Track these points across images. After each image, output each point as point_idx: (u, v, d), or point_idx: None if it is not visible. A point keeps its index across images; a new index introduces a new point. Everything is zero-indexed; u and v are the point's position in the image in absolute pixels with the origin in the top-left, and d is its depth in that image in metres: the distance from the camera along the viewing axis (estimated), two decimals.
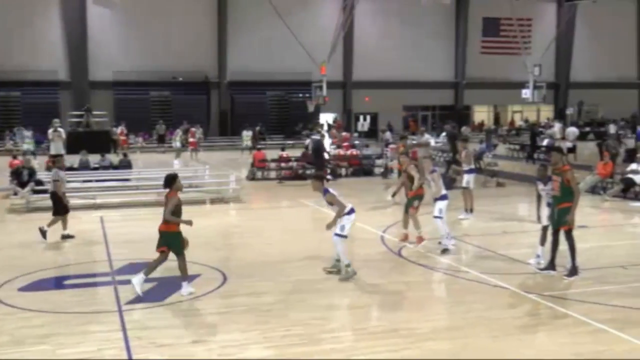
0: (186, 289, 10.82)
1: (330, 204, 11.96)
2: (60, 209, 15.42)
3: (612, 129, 35.47)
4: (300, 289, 11.22)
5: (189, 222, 10.78)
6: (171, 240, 10.78)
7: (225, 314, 9.95)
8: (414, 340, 8.76)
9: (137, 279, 10.62)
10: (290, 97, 49.64)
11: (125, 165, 26.82)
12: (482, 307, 10.12)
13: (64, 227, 15.41)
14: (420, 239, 14.09)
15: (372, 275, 12.06)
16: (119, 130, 41.24)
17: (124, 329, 9.17)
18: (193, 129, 38.57)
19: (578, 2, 42.92)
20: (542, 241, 12.37)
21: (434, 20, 53.04)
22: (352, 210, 11.83)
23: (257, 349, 8.52)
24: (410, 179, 14.47)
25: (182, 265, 10.82)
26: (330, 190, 11.98)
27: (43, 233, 15.06)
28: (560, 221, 11.67)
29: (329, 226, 11.78)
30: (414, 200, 14.37)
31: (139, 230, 16.48)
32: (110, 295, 10.89)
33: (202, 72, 48.06)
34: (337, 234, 11.70)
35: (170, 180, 10.90)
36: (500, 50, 53.47)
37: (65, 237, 15.31)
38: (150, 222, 17.81)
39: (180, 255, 10.79)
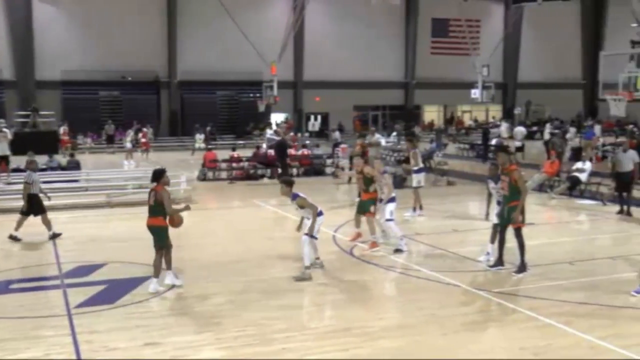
0: (154, 285, 10.89)
1: (302, 207, 11.99)
2: (33, 210, 15.29)
3: (547, 128, 36.07)
4: (252, 289, 11.20)
5: (187, 207, 11.59)
6: (158, 233, 11.02)
7: (177, 315, 9.90)
8: (366, 339, 8.83)
9: (169, 278, 11.08)
10: (241, 97, 49.46)
11: (74, 166, 26.41)
12: (433, 305, 10.25)
13: (17, 227, 15.21)
14: (374, 244, 14.06)
15: (324, 275, 12.11)
16: (61, 130, 40.45)
17: (73, 333, 9.04)
18: (145, 130, 38.14)
19: (525, 4, 43.65)
20: (492, 239, 12.57)
21: (384, 20, 53.38)
22: (320, 212, 11.96)
23: (210, 350, 8.49)
24: (365, 180, 14.44)
25: (158, 263, 11.02)
26: (300, 194, 12.00)
27: (13, 238, 15.05)
28: (510, 219, 11.90)
29: (311, 230, 11.86)
30: (369, 203, 14.27)
31: (88, 232, 16.26)
32: (59, 298, 10.72)
33: (152, 71, 47.56)
34: (307, 234, 11.79)
35: (159, 175, 11.15)
36: (449, 50, 54.18)
37: (13, 238, 15.07)
38: (100, 223, 17.72)
39: (162, 249, 11.02)
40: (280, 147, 27.40)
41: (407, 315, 9.85)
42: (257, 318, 9.62)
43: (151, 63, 47.13)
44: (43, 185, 16.26)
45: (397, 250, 13.75)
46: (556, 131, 41.38)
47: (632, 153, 18.76)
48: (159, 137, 45.70)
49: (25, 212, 15.31)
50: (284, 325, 9.31)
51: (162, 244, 11.03)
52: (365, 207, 14.26)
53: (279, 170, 26.19)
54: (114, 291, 10.96)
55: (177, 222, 11.25)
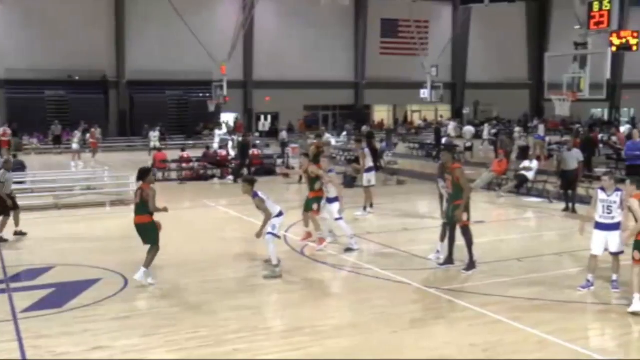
0: (140, 274, 11.07)
1: (258, 207, 12.05)
2: (4, 209, 15.20)
3: (486, 129, 36.65)
4: (205, 290, 11.14)
5: (165, 209, 11.54)
6: (145, 230, 11.23)
7: (127, 318, 9.77)
8: (317, 338, 8.85)
9: (139, 274, 11.10)
10: (191, 97, 49.05)
11: (19, 167, 25.83)
12: (384, 303, 10.32)
13: (1, 229, 15.23)
14: (321, 240, 14.12)
15: (271, 278, 12.09)
16: (0, 131, 39.52)
17: (19, 339, 8.86)
18: (93, 130, 37.55)
19: (472, 5, 44.24)
20: (442, 237, 12.71)
21: (334, 20, 53.54)
22: (280, 213, 12.05)
23: (161, 352, 8.41)
24: (311, 179, 14.40)
25: (151, 257, 11.23)
26: (260, 194, 11.97)
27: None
28: (454, 217, 12.06)
29: (258, 235, 11.91)
30: (313, 201, 14.29)
31: (34, 234, 15.91)
32: (4, 303, 10.48)
33: (100, 71, 46.91)
34: (270, 233, 11.84)
35: (145, 173, 11.39)
36: (398, 51, 54.65)
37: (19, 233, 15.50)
38: (47, 226, 17.36)
39: (154, 245, 11.25)
40: (243, 147, 27.35)
41: (358, 314, 9.90)
42: (209, 319, 9.57)
43: (99, 62, 46.47)
44: None
45: (348, 249, 13.81)
46: (494, 131, 42.21)
47: (576, 152, 19.19)
48: (108, 138, 45.06)
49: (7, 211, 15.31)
50: (236, 326, 9.27)
51: (153, 240, 11.24)
52: (309, 205, 14.31)
53: (244, 170, 26.05)
54: (62, 295, 10.76)
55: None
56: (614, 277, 10.87)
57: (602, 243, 10.73)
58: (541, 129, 41.18)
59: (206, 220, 18.23)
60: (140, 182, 11.36)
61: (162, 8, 42.41)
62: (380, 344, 8.69)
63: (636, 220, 9.85)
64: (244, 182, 12.48)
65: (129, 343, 8.68)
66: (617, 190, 10.69)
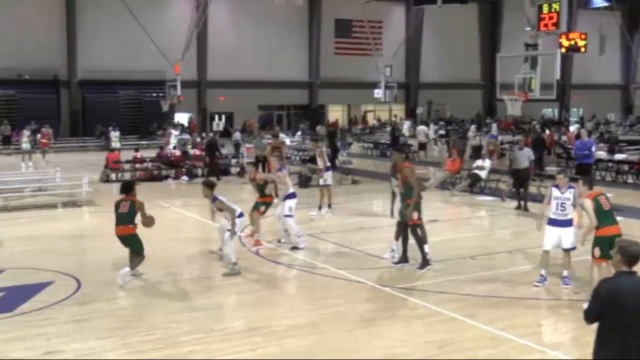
0: (124, 274, 11.15)
1: (220, 210, 12.16)
2: None
3: (431, 129, 37.04)
4: (158, 292, 11.05)
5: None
6: (131, 241, 11.46)
7: (80, 321, 9.62)
8: (273, 338, 8.85)
9: (122, 272, 11.19)
10: (144, 97, 48.46)
11: None
12: (339, 302, 10.36)
13: None
14: (257, 242, 14.26)
15: (230, 275, 12.05)
16: None
17: None
18: (44, 129, 36.88)
19: (425, 6, 44.58)
20: (397, 236, 12.80)
21: (288, 20, 53.47)
22: (241, 214, 12.29)
23: (116, 355, 8.32)
24: (259, 186, 14.58)
25: (136, 263, 11.41)
26: (219, 197, 12.21)
27: None
28: (407, 216, 12.17)
29: (232, 236, 12.01)
30: (261, 204, 14.50)
31: None
32: None
33: (51, 70, 46.03)
34: (229, 230, 11.99)
35: (130, 187, 11.93)
36: (352, 51, 54.83)
37: None
38: None
39: (140, 255, 11.43)
40: (210, 147, 27.20)
41: (314, 313, 9.92)
42: (163, 321, 9.49)
43: (50, 61, 45.60)
44: None
45: (294, 248, 13.87)
46: (442, 132, 42.77)
47: (527, 151, 19.51)
48: (59, 138, 44.25)
49: None
50: (190, 327, 9.22)
51: (139, 249, 11.44)
52: (256, 206, 14.51)
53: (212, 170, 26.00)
54: (13, 299, 10.56)
55: (150, 223, 11.80)
56: (565, 273, 11.12)
57: (555, 239, 10.98)
58: (494, 128, 41.86)
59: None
60: (124, 195, 11.65)
61: (114, 6, 41.72)
62: (336, 343, 8.72)
63: (590, 219, 10.07)
64: (205, 185, 12.54)
65: (83, 347, 8.57)
66: (570, 187, 10.98)
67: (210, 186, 12.37)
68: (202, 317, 9.75)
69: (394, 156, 13.07)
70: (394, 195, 13.21)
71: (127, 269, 11.33)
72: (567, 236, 10.90)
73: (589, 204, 10.09)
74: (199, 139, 34.55)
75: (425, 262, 12.16)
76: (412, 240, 12.40)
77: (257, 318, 9.63)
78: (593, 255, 10.03)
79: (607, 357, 5.48)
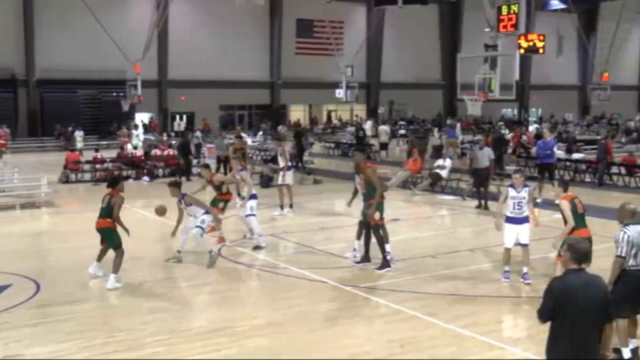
0: (112, 282, 11.11)
1: (189, 205, 12.69)
2: None
3: (382, 129, 37.20)
4: (120, 293, 10.96)
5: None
6: (107, 235, 11.48)
7: (40, 325, 9.50)
8: (236, 338, 8.84)
9: (110, 282, 11.16)
10: (104, 96, 47.90)
11: None
12: (302, 302, 10.39)
13: None
14: (221, 239, 14.38)
15: (192, 276, 12.01)
16: None
17: None
18: (1, 130, 36.26)
19: (386, 6, 44.82)
20: (358, 235, 12.85)
21: (249, 20, 53.28)
22: (207, 212, 12.90)
23: (76, 358, 8.22)
24: (216, 186, 14.94)
25: (118, 262, 11.32)
26: (188, 194, 12.84)
27: None
28: (368, 216, 12.25)
29: (218, 226, 12.82)
30: (220, 201, 14.88)
31: None
32: None
33: (8, 69, 45.20)
34: (198, 226, 12.56)
35: (116, 182, 11.98)
36: (314, 51, 54.88)
37: None
38: None
39: (118, 249, 11.38)
40: (184, 147, 27.27)
41: (277, 313, 9.93)
42: (126, 323, 9.42)
43: (6, 60, 44.74)
44: None
45: (257, 247, 13.89)
46: (402, 132, 43.08)
47: (487, 150, 19.73)
48: (17, 138, 43.51)
49: None
50: (154, 329, 9.16)
51: (115, 243, 11.41)
52: (214, 203, 14.75)
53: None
54: None
55: (162, 212, 12.58)
56: (525, 269, 11.34)
57: (513, 236, 11.30)
58: (458, 128, 42.29)
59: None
60: (110, 189, 11.77)
61: (73, 4, 41.20)
62: (299, 343, 8.74)
63: (565, 221, 10.22)
64: (171, 186, 13.00)
65: (42, 350, 8.46)
66: (526, 186, 11.29)
67: (177, 185, 12.92)
68: (166, 318, 9.70)
69: (356, 156, 13.19)
70: (356, 191, 13.26)
71: (112, 276, 11.23)
72: (524, 232, 11.25)
73: (566, 205, 10.25)
74: (165, 138, 34.26)
75: (385, 263, 12.21)
76: (374, 240, 12.47)
77: (221, 318, 9.61)
78: (559, 254, 9.95)
79: (561, 354, 5.59)
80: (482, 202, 19.06)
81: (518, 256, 11.49)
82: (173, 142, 34.93)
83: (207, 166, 16.16)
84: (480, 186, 19.25)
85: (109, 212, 11.48)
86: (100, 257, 11.76)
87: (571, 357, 5.53)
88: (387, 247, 12.41)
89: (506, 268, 11.52)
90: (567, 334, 5.55)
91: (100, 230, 11.58)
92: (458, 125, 44.02)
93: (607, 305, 5.68)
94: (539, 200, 18.31)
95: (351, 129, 44.60)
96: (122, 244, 11.44)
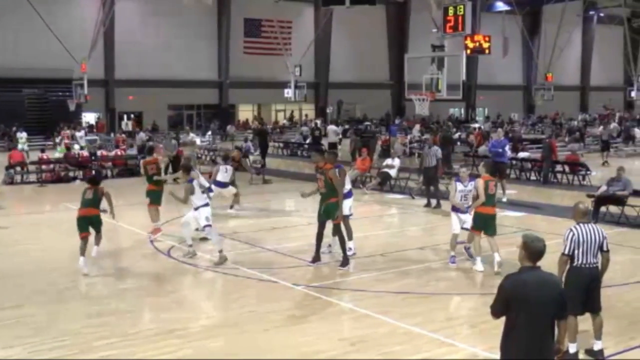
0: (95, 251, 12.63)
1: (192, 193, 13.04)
2: None
3: (331, 129, 37.40)
4: (69, 297, 10.79)
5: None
6: (97, 221, 12.55)
7: None
8: (188, 340, 8.80)
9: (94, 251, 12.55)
10: (50, 96, 47.01)
11: None
12: (253, 302, 10.39)
13: None
14: (157, 230, 14.96)
15: (142, 277, 11.91)
16: None
17: None
18: None
19: (334, 6, 44.94)
20: (321, 237, 12.90)
21: (197, 19, 52.89)
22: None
23: None
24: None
25: (99, 238, 12.67)
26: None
27: None
28: (329, 215, 12.32)
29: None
30: (154, 194, 15.57)
31: None
32: None
33: None
34: (206, 225, 12.94)
35: (95, 180, 13.02)
36: (262, 50, 54.79)
37: None
38: None
39: (99, 232, 12.64)
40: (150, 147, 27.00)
41: (229, 314, 9.92)
42: (75, 327, 9.27)
43: None
44: None
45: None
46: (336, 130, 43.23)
47: (435, 149, 19.98)
48: None
49: None
50: (104, 333, 9.05)
51: (100, 228, 12.61)
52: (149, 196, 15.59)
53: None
54: None
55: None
56: (467, 245, 12.76)
57: (459, 223, 12.59)
58: (416, 129, 42.79)
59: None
60: (89, 185, 12.77)
61: (16, 1, 40.37)
62: (252, 343, 8.75)
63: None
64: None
65: None
66: (471, 180, 12.39)
67: (186, 169, 13.52)
68: (116, 321, 9.59)
69: (314, 157, 13.48)
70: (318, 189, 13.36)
71: (82, 258, 11.96)
72: (468, 219, 12.44)
73: (481, 184, 11.99)
74: (123, 137, 33.74)
75: (345, 261, 12.31)
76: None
77: (173, 320, 9.54)
78: (472, 227, 12.25)
79: (515, 350, 5.67)
80: (431, 200, 19.28)
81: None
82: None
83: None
84: (429, 185, 19.47)
85: (93, 203, 12.47)
86: (83, 251, 12.12)
87: (525, 353, 5.62)
88: (350, 243, 12.84)
89: (452, 253, 12.54)
90: (521, 330, 5.62)
91: (87, 217, 12.38)
92: (417, 126, 44.50)
93: (561, 303, 5.79)
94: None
95: (305, 128, 44.57)
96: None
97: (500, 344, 5.79)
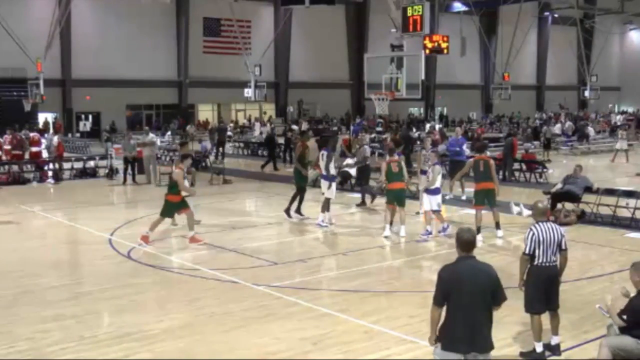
0: None
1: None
2: None
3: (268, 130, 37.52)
4: (23, 300, 10.56)
5: None
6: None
7: None
8: (146, 342, 8.68)
9: None
10: (4, 96, 46.12)
11: None
12: (213, 303, 10.30)
13: None
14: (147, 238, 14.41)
15: (100, 280, 11.73)
16: None
17: None
18: None
19: (293, 6, 44.88)
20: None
21: (156, 18, 52.48)
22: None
23: None
24: None
25: None
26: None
27: None
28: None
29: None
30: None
31: None
32: None
33: None
34: None
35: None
36: (222, 50, 54.61)
37: None
38: None
39: None
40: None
41: (188, 316, 9.81)
42: (29, 331, 9.08)
43: None
44: None
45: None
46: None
47: (365, 148, 20.24)
48: None
49: None
50: (59, 336, 8.88)
51: None
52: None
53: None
54: None
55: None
56: (445, 225, 14.92)
57: (428, 203, 14.83)
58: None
59: (25, 227, 17.27)
60: None
61: None
62: (212, 344, 8.66)
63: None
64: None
65: None
66: (436, 164, 15.04)
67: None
68: (71, 325, 9.41)
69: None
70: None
71: None
72: (435, 200, 14.78)
73: (384, 166, 14.96)
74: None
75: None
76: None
77: (130, 323, 9.41)
78: (388, 202, 14.90)
79: (451, 335, 6.15)
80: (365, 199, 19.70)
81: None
82: (78, 142, 34.09)
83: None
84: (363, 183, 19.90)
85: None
86: None
87: (459, 338, 6.09)
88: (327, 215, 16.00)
89: (428, 228, 14.87)
90: (457, 316, 6.13)
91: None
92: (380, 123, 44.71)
93: (495, 290, 6.22)
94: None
95: (266, 128, 44.41)
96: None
97: (438, 329, 6.23)
